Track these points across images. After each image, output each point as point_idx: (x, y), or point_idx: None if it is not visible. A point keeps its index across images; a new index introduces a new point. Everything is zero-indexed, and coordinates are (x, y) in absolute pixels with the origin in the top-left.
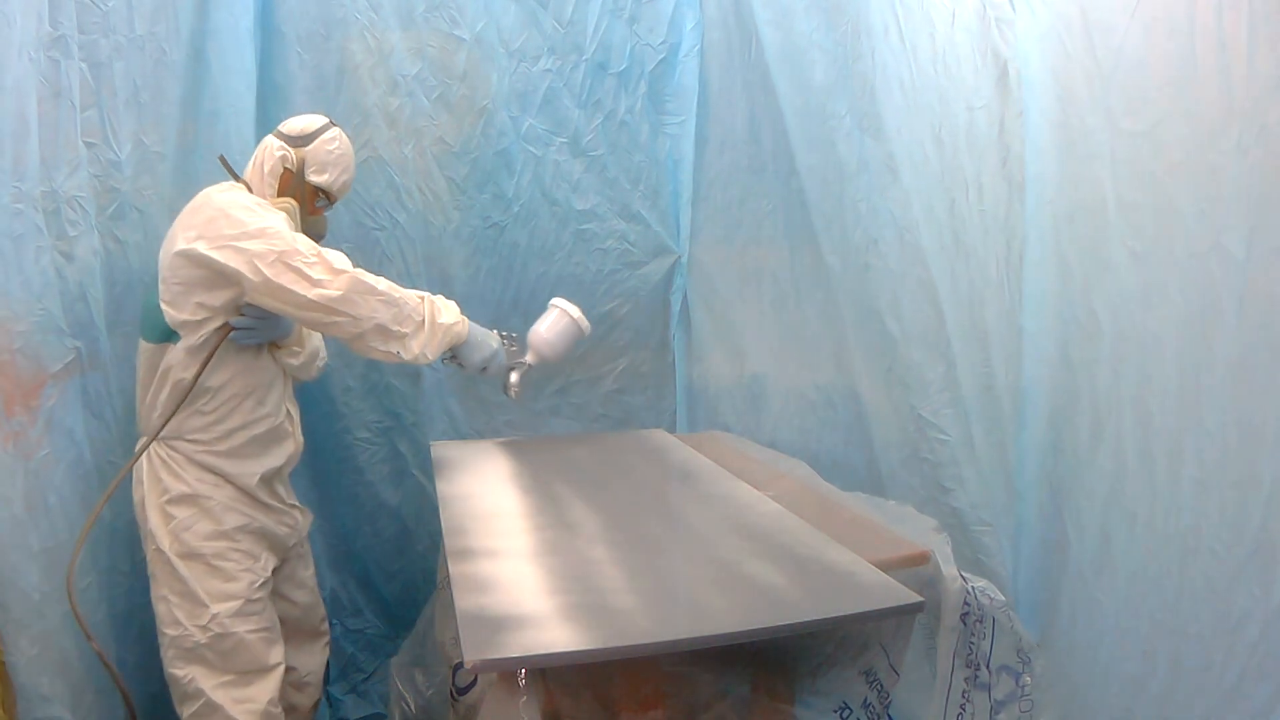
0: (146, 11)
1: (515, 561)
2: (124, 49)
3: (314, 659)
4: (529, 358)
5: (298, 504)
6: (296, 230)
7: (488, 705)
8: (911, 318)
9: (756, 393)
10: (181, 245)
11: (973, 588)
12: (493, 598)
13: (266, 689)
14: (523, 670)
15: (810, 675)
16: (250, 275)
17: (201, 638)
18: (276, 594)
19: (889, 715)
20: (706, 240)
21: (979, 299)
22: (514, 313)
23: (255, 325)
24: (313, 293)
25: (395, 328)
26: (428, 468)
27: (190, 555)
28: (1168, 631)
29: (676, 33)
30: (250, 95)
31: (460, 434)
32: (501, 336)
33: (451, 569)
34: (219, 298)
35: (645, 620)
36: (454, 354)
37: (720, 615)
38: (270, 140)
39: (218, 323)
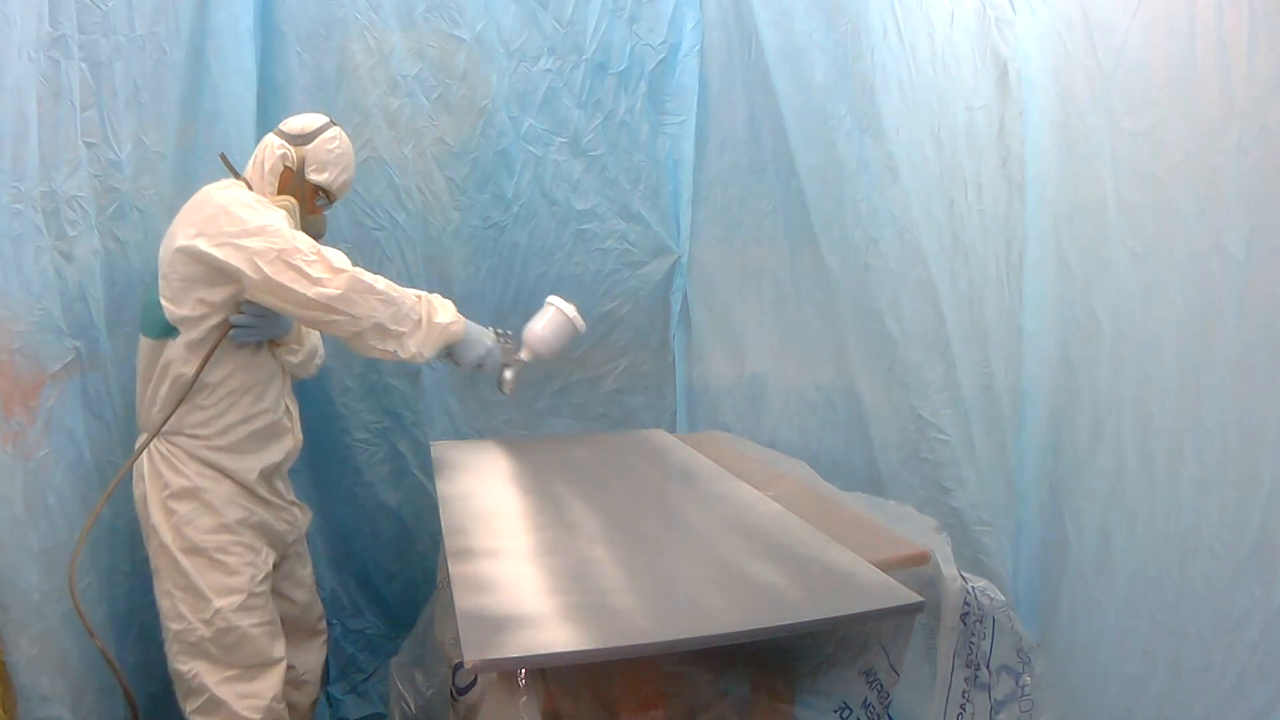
0: (146, 11)
1: (515, 561)
2: (124, 49)
3: (312, 657)
4: (524, 355)
5: (297, 501)
6: (296, 228)
7: (488, 705)
8: (911, 318)
9: (756, 393)
10: (182, 241)
11: (973, 588)
12: (493, 598)
13: (271, 684)
14: (523, 670)
15: (810, 675)
16: (250, 273)
17: (206, 632)
18: (275, 592)
19: (889, 715)
20: (706, 240)
21: (978, 299)
22: (514, 313)
23: (254, 324)
24: (312, 291)
25: (393, 327)
26: (428, 467)
27: (192, 550)
28: (1168, 631)
29: (676, 33)
30: (250, 95)
31: (460, 434)
32: (497, 334)
33: (451, 569)
34: (219, 294)
35: (645, 620)
36: (449, 351)
37: (720, 615)
38: (271, 138)
39: (217, 319)
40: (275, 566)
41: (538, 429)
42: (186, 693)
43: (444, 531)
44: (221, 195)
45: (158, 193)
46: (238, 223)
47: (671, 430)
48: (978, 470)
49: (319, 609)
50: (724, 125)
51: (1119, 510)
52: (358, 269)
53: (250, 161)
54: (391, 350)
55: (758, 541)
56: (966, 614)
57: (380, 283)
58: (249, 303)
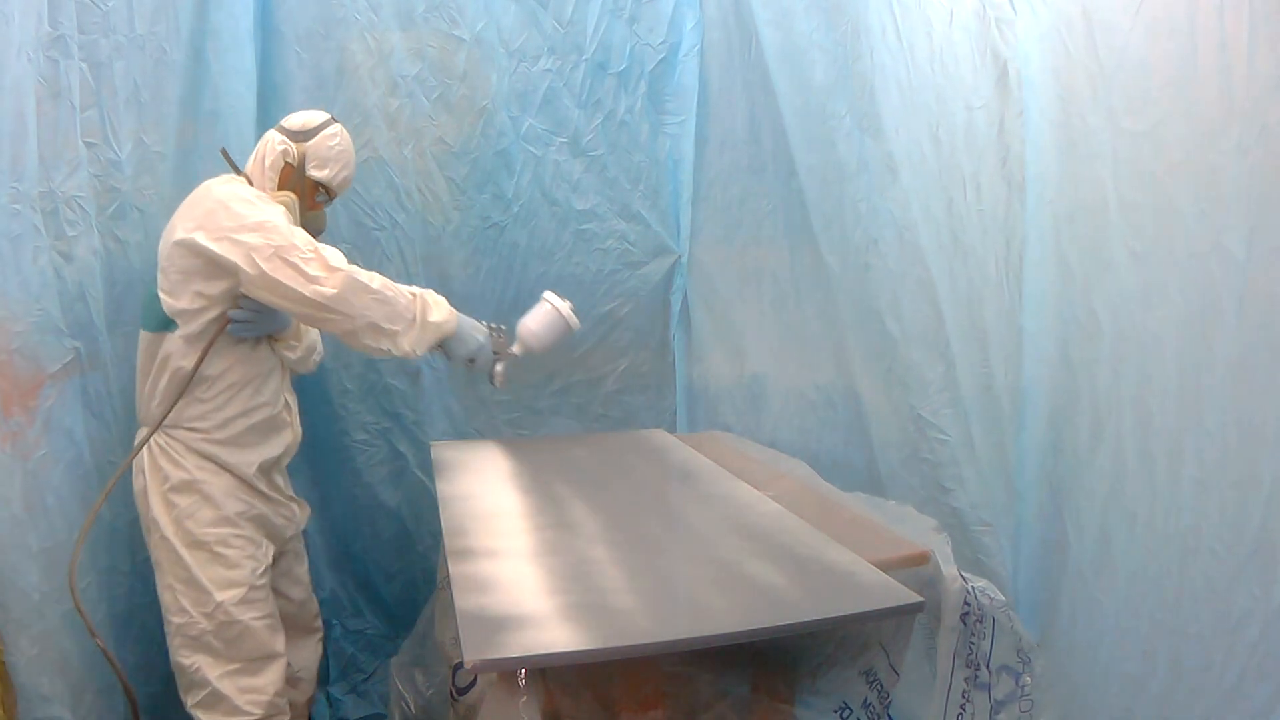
0: (146, 11)
1: (515, 561)
2: (124, 49)
3: (307, 655)
4: (515, 349)
5: (295, 497)
6: (295, 224)
7: (488, 705)
8: (911, 318)
9: (756, 393)
10: (180, 235)
11: (973, 588)
12: (493, 598)
13: (272, 678)
14: (523, 670)
15: (810, 675)
16: (247, 268)
17: (207, 625)
18: (272, 589)
19: (889, 715)
20: (706, 240)
21: (977, 299)
22: (514, 312)
23: (252, 318)
24: (308, 289)
25: (387, 325)
26: (428, 467)
27: (193, 543)
28: (1168, 631)
29: (676, 33)
30: (251, 95)
31: (461, 433)
32: (489, 328)
33: (451, 569)
34: (216, 287)
35: (645, 620)
36: (441, 345)
37: (720, 615)
38: (272, 134)
39: (215, 312)
40: (273, 563)
41: (538, 429)
42: (188, 686)
43: (444, 531)
44: (221, 190)
45: (158, 193)
46: (236, 218)
47: (671, 430)
48: (977, 470)
49: (315, 607)
50: (724, 125)
51: (1119, 510)
52: (353, 267)
53: (251, 157)
54: (385, 348)
55: (758, 541)
56: (966, 614)
57: (375, 281)
58: (246, 298)
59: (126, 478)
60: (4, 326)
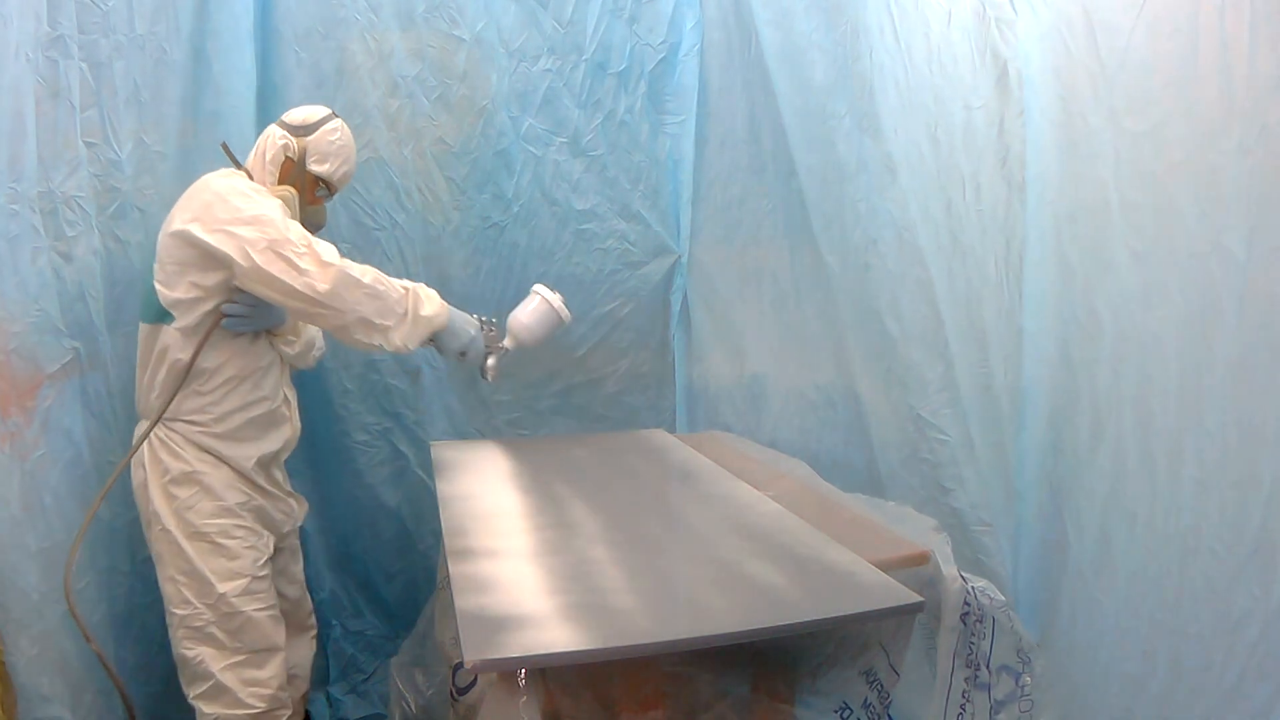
0: (146, 11)
1: (515, 561)
2: (124, 49)
3: (302, 652)
4: (507, 343)
5: (293, 492)
6: (294, 219)
7: (488, 705)
8: (910, 318)
9: (756, 393)
10: (177, 226)
11: (973, 588)
12: (493, 598)
13: (275, 671)
14: (523, 670)
15: (810, 675)
16: (240, 260)
17: (211, 616)
18: None
19: (889, 715)
20: (706, 240)
21: (977, 299)
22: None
23: (248, 313)
24: (299, 283)
25: (378, 321)
26: (429, 466)
27: (195, 535)
28: (1168, 631)
29: (676, 32)
30: (252, 95)
31: (461, 433)
32: (480, 321)
33: (451, 569)
34: (212, 278)
35: (645, 620)
36: (433, 339)
37: (720, 615)
38: (273, 129)
39: (211, 304)
40: (270, 559)
41: (539, 429)
42: (191, 678)
43: (444, 531)
44: (219, 183)
45: (158, 192)
46: (232, 210)
47: (671, 430)
48: (977, 470)
49: (309, 605)
50: (724, 125)
51: (1119, 510)
52: (346, 262)
53: (252, 151)
54: (377, 344)
55: (758, 541)
56: (966, 614)
57: (368, 276)
58: (241, 292)
59: (125, 478)
60: (2, 327)
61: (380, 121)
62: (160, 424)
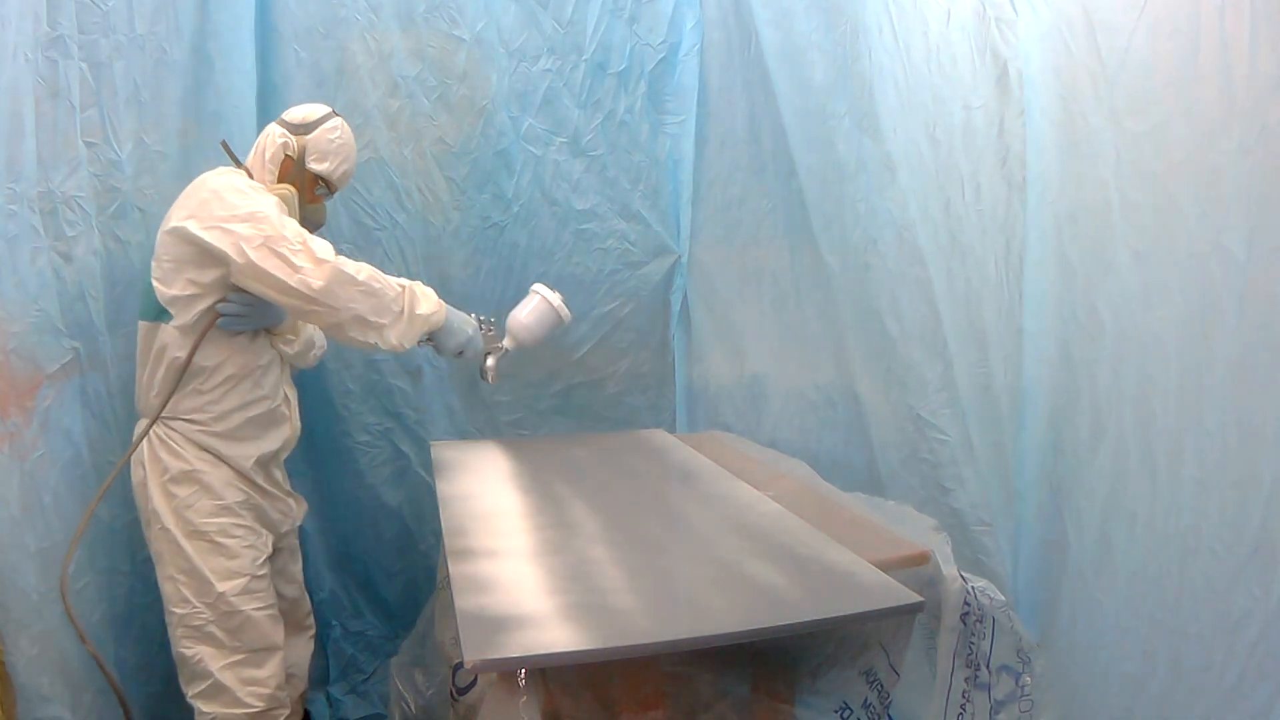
0: (146, 11)
1: (515, 561)
2: (124, 48)
3: (299, 652)
4: (506, 343)
5: (292, 492)
6: (293, 217)
7: (488, 705)
8: (909, 317)
9: (756, 393)
10: (174, 223)
11: (973, 588)
12: (493, 598)
13: (274, 670)
14: (523, 670)
15: (810, 675)
16: (235, 257)
17: (210, 615)
18: None
19: (889, 715)
20: (706, 240)
21: (976, 298)
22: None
23: (244, 312)
24: (294, 279)
25: (373, 319)
26: (431, 465)
27: (194, 533)
28: (1168, 631)
29: (676, 32)
30: (253, 95)
31: (462, 433)
32: (479, 321)
33: (451, 569)
34: (208, 275)
35: (645, 620)
36: (430, 337)
37: (720, 615)
38: (273, 127)
39: (208, 301)
40: (269, 558)
41: (539, 429)
42: (190, 677)
43: (444, 531)
44: (217, 180)
45: (159, 192)
46: (229, 207)
47: (671, 430)
48: (976, 470)
49: (307, 605)
50: (724, 125)
51: (1119, 510)
52: (341, 259)
53: (252, 150)
54: (372, 342)
55: (758, 541)
56: (966, 614)
57: (363, 273)
58: (238, 290)
59: (125, 478)
60: (1, 327)
61: (380, 121)
62: (160, 423)
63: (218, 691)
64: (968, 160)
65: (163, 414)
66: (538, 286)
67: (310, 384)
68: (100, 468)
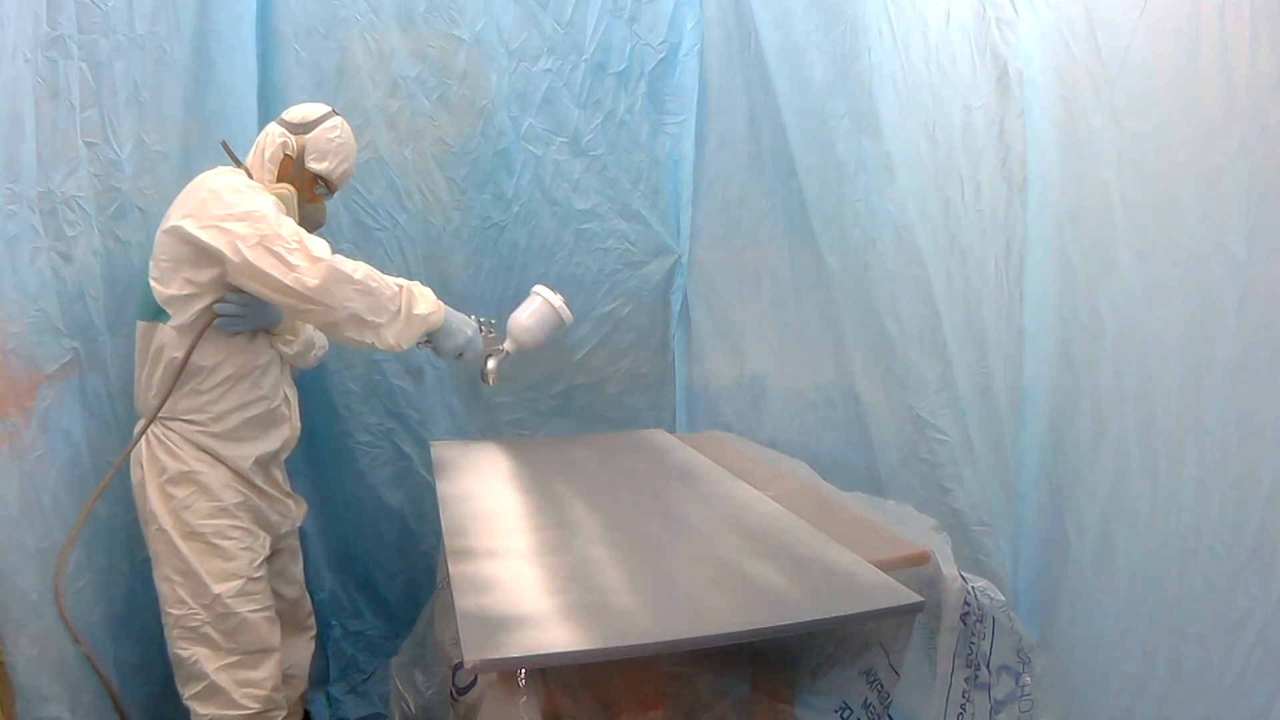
0: (146, 11)
1: (515, 561)
2: (124, 49)
3: (299, 653)
4: (507, 345)
5: (292, 493)
6: (291, 216)
7: (488, 705)
8: (909, 318)
9: (756, 393)
10: (171, 223)
11: (973, 587)
12: (493, 598)
13: (270, 672)
14: (523, 670)
15: (810, 675)
16: (231, 256)
17: (206, 616)
18: None
19: (889, 715)
20: (706, 240)
21: (975, 299)
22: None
23: (241, 313)
24: (289, 278)
25: (370, 318)
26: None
27: (191, 535)
28: (1168, 631)
29: (676, 32)
30: (255, 95)
31: (463, 433)
32: (479, 323)
33: (451, 569)
34: (205, 275)
35: (645, 620)
36: (429, 339)
37: (720, 615)
38: (272, 127)
39: (205, 301)
40: (268, 560)
41: (540, 430)
42: (186, 679)
43: (444, 532)
44: (215, 180)
45: (159, 192)
46: (225, 206)
47: (671, 430)
48: (976, 470)
49: (308, 605)
50: (724, 125)
51: (1120, 510)
52: (338, 257)
53: (252, 149)
54: (369, 341)
55: (758, 541)
56: (966, 614)
57: (360, 272)
58: (235, 291)
59: (125, 477)
60: (0, 327)
61: (380, 122)
62: (158, 423)
63: (213, 693)
64: (967, 160)
65: (161, 414)
66: (539, 288)
67: (311, 384)
68: (99, 468)
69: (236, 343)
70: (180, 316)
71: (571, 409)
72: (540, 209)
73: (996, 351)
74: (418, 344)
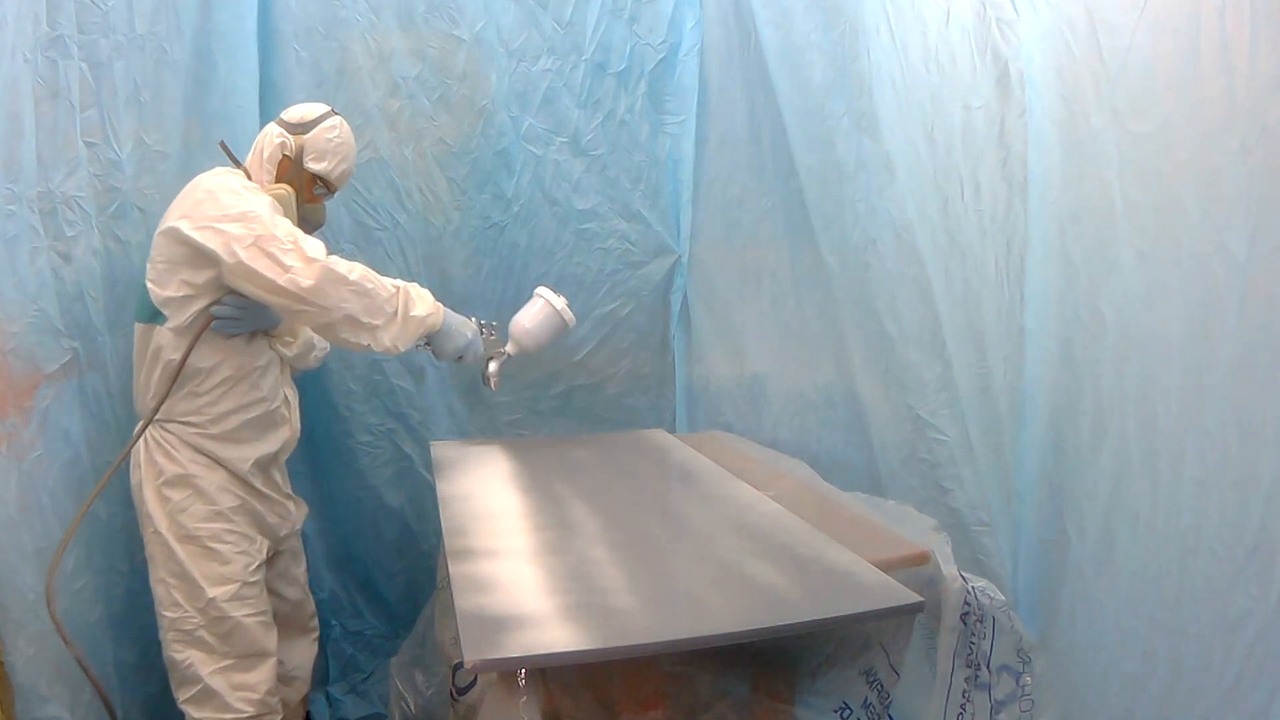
0: (146, 11)
1: (515, 561)
2: (124, 48)
3: (302, 654)
4: (509, 348)
5: (292, 495)
6: (289, 217)
7: (488, 705)
8: (908, 318)
9: (756, 393)
10: (167, 224)
11: (973, 587)
12: (493, 598)
13: (264, 676)
14: (523, 670)
15: (810, 675)
16: (226, 257)
17: (200, 620)
18: (268, 589)
19: (889, 715)
20: (706, 240)
21: (975, 299)
22: (514, 313)
23: (238, 315)
24: (283, 279)
25: (365, 319)
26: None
27: (186, 538)
28: (1168, 631)
29: (676, 32)
30: (257, 95)
31: (464, 433)
32: (480, 325)
33: (451, 569)
34: (201, 276)
35: (645, 620)
36: (428, 341)
37: (720, 615)
38: (271, 127)
39: (202, 302)
40: (269, 563)
41: (540, 430)
42: (180, 681)
43: (444, 532)
44: (211, 181)
45: (159, 192)
46: (220, 207)
47: (671, 430)
48: (975, 470)
49: (311, 607)
50: (724, 125)
51: (1121, 510)
52: (334, 258)
53: (251, 150)
54: (365, 343)
55: (758, 541)
56: (967, 614)
57: (355, 273)
58: (232, 293)
59: (126, 477)
60: (0, 327)
61: (381, 122)
62: (156, 425)
63: (207, 696)
64: (967, 160)
65: (159, 416)
66: (542, 290)
67: (312, 384)
68: (99, 468)
69: (234, 344)
70: (177, 318)
71: (572, 409)
72: (540, 209)
73: (996, 351)
74: (416, 346)
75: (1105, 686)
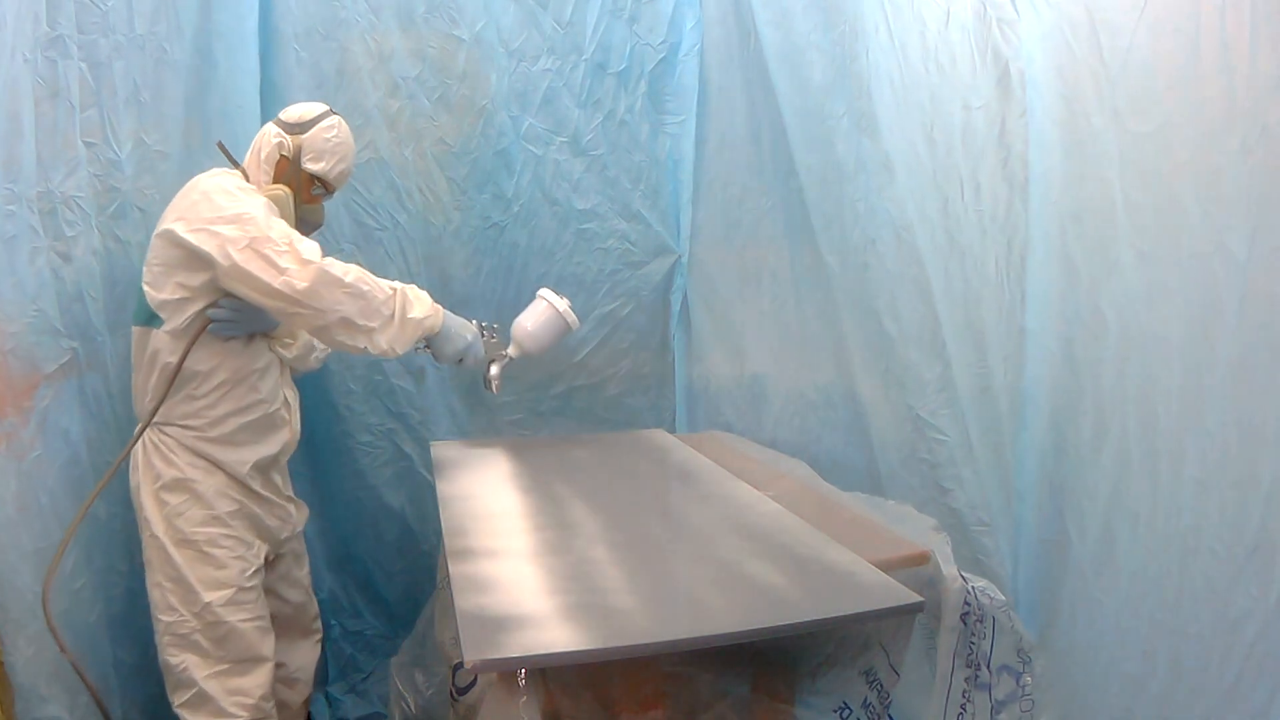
0: (146, 11)
1: (515, 561)
2: (124, 48)
3: (304, 656)
4: (510, 350)
5: (293, 497)
6: (286, 218)
7: (488, 705)
8: (908, 318)
9: (756, 393)
10: (163, 226)
11: (973, 587)
12: (493, 598)
13: (259, 681)
14: (523, 670)
15: (810, 675)
16: (220, 259)
17: (196, 624)
18: (269, 591)
19: (889, 715)
20: (706, 240)
21: (975, 299)
22: (514, 313)
23: (235, 317)
24: (278, 281)
25: (361, 322)
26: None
27: (183, 542)
28: (1168, 631)
29: (676, 32)
30: (258, 95)
31: (464, 433)
32: (481, 327)
33: (451, 569)
34: (197, 279)
35: (645, 620)
36: (427, 344)
37: (720, 615)
38: (269, 127)
39: (198, 305)
40: (270, 565)
41: (540, 430)
42: (175, 685)
43: (444, 532)
44: (207, 182)
45: (159, 192)
46: (216, 209)
47: (671, 430)
48: (975, 470)
49: (314, 609)
50: (724, 125)
51: (1122, 510)
52: (329, 260)
53: (249, 150)
54: (361, 346)
55: (758, 541)
56: (967, 614)
57: (351, 275)
58: (229, 295)
59: (125, 477)
60: None
61: (381, 122)
62: (154, 428)
63: (202, 701)
64: (967, 160)
65: (157, 420)
66: (545, 292)
67: (312, 385)
68: (98, 468)
69: (232, 347)
70: (174, 321)
71: (572, 409)
72: (540, 209)
73: (996, 351)
74: (416, 349)
75: (1105, 686)
